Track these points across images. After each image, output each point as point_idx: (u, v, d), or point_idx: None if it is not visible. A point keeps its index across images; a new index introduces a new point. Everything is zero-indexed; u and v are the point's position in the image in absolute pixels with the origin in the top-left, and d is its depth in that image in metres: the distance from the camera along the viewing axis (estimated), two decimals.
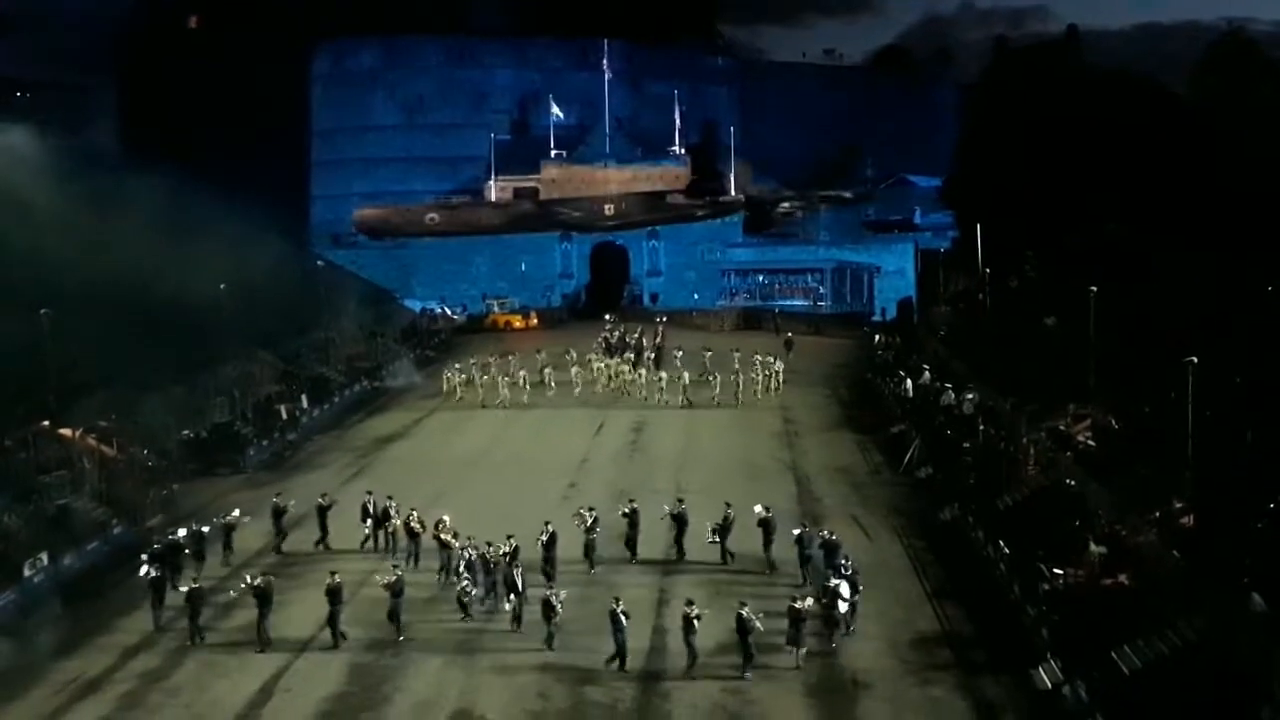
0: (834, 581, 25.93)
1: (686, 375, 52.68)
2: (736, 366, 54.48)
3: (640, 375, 54.97)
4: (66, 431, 38.78)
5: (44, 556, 30.69)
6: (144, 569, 28.41)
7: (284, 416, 48.63)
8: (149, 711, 23.58)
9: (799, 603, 24.46)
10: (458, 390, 54.92)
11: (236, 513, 33.50)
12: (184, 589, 27.37)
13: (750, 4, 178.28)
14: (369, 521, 32.82)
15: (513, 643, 26.11)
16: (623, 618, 24.39)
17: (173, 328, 45.93)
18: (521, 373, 54.90)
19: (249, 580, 26.97)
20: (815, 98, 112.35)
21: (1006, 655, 24.84)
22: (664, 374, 53.63)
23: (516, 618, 26.69)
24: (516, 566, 27.31)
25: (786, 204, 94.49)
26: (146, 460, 40.19)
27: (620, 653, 24.47)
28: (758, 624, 24.05)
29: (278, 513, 33.57)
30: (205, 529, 31.97)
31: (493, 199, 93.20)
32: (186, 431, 43.91)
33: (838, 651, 25.12)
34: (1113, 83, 61.58)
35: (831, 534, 29.52)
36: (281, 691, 24.21)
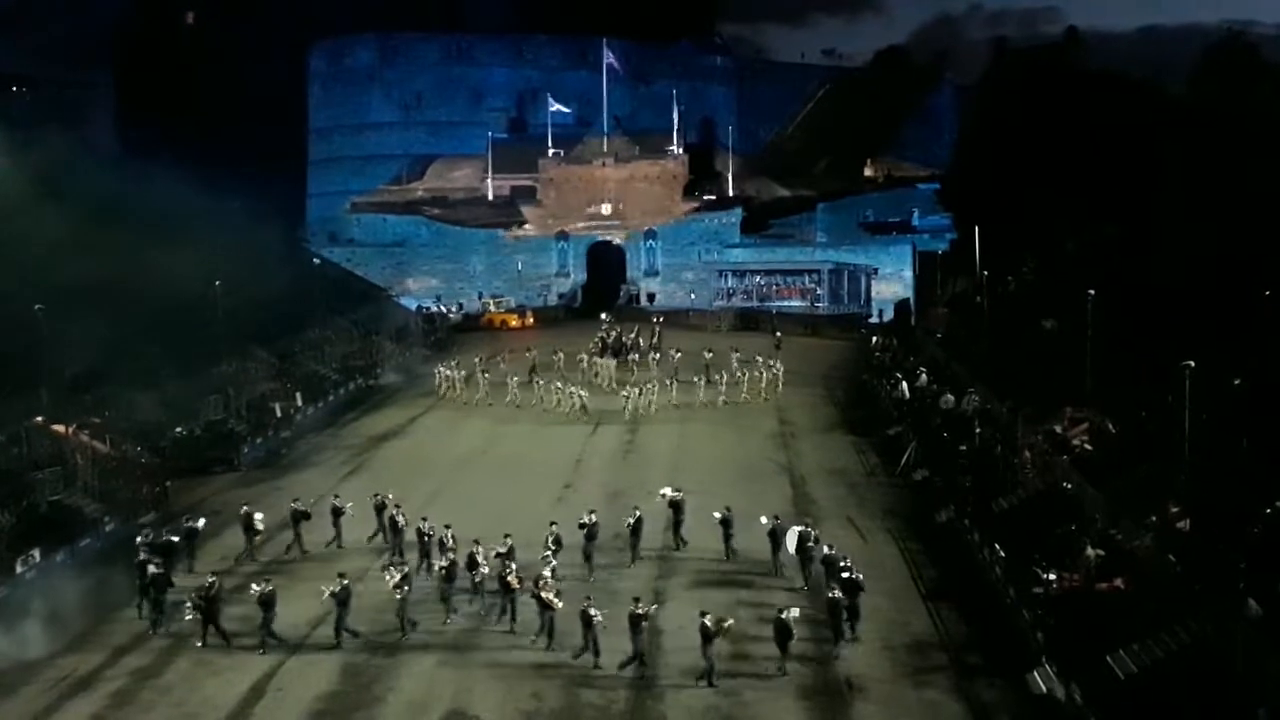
0: (836, 594, 25.92)
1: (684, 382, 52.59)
2: (735, 366, 54.55)
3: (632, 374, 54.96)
4: (60, 428, 38.70)
5: (36, 553, 30.60)
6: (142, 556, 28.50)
7: (278, 414, 48.58)
8: (141, 709, 23.48)
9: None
10: (450, 388, 54.98)
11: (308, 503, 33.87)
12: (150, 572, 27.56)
13: (753, 3, 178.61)
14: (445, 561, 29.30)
15: (506, 643, 26.00)
16: (642, 622, 24.27)
17: (167, 325, 45.86)
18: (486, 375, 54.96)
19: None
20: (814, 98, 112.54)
21: (1002, 658, 24.78)
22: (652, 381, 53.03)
23: (509, 614, 26.59)
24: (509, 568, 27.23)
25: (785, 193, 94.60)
26: (140, 457, 40.11)
27: (637, 655, 24.31)
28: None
29: (296, 516, 33.07)
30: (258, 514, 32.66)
31: (490, 197, 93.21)
32: (180, 429, 43.81)
33: (834, 655, 25.06)
34: (1110, 84, 61.56)
35: (830, 546, 29.30)
36: (274, 690, 24.12)
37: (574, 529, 30.24)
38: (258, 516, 32.72)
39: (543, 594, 25.61)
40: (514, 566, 27.05)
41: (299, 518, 32.82)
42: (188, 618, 26.51)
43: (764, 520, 30.59)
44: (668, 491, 33.04)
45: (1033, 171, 56.72)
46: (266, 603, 26.07)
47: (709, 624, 23.87)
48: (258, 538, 32.55)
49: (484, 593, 27.57)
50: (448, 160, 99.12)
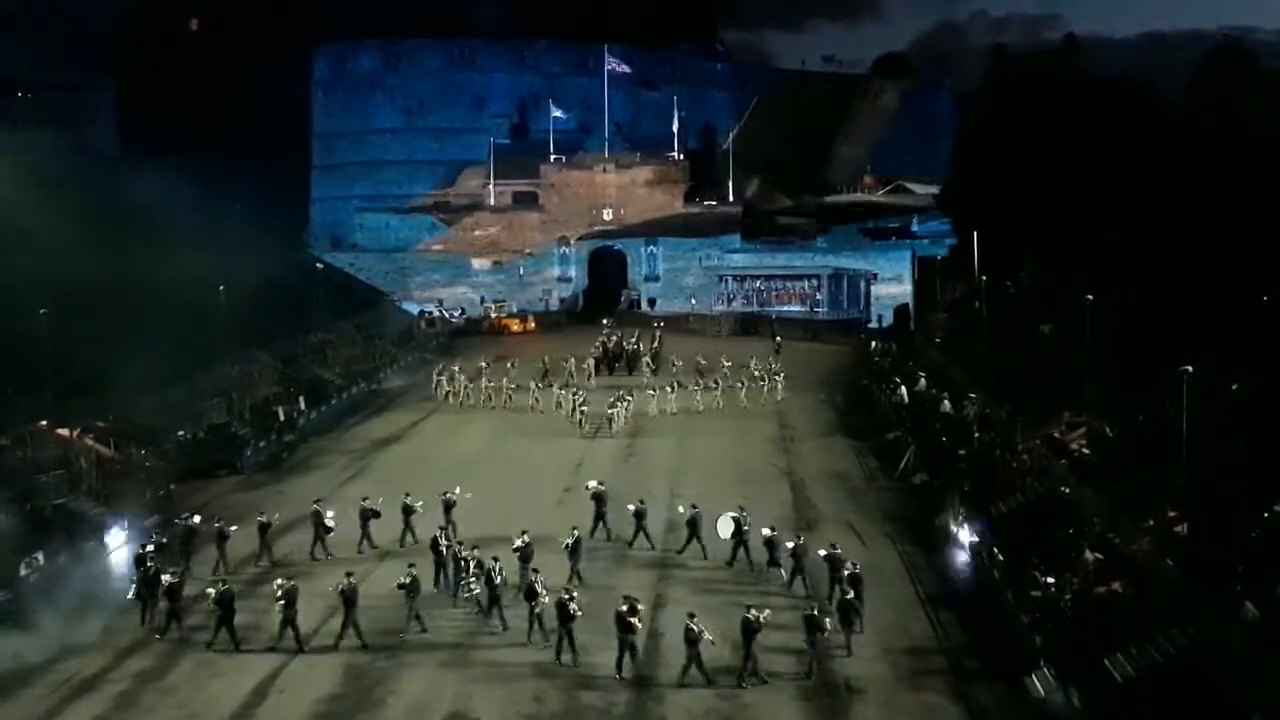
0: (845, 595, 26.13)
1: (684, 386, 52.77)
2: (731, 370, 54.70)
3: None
4: (64, 431, 38.78)
5: (39, 556, 30.68)
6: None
7: (281, 418, 48.68)
8: (143, 711, 23.57)
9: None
10: (447, 393, 55.16)
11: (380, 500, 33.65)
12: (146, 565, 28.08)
13: (754, 9, 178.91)
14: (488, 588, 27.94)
15: (507, 646, 26.09)
16: (695, 630, 23.93)
17: (171, 328, 45.96)
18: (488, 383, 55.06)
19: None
20: (814, 104, 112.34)
21: (1000, 662, 24.88)
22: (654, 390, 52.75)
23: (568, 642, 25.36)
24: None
25: (786, 218, 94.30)
26: (144, 460, 40.21)
27: (696, 664, 24.01)
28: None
29: (364, 515, 33.05)
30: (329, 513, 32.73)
31: (491, 203, 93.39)
32: (184, 432, 43.93)
33: (832, 657, 25.17)
34: (1109, 90, 61.66)
35: (834, 546, 29.34)
36: (276, 692, 24.22)
37: (551, 542, 30.18)
38: (329, 514, 32.67)
39: (628, 618, 24.48)
40: (575, 593, 25.98)
41: (368, 516, 32.92)
42: (128, 596, 27.64)
43: (681, 509, 31.72)
44: (591, 484, 33.79)
45: (1031, 177, 56.83)
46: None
47: (751, 619, 23.87)
48: (329, 535, 32.45)
49: (542, 624, 26.08)
50: (474, 168, 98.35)
